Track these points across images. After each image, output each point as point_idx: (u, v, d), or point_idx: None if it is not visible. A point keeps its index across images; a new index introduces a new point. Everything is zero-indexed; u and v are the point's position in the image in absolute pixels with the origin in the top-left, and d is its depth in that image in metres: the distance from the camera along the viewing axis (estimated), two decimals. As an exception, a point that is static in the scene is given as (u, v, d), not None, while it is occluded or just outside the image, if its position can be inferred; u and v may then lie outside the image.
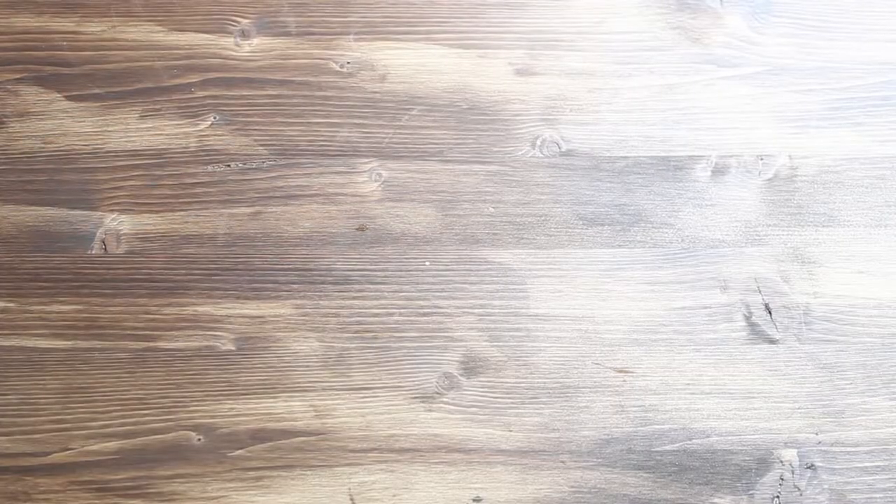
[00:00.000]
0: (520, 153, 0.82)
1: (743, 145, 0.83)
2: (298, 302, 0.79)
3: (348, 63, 0.84)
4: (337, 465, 0.76)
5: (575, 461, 0.76)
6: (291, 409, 0.77)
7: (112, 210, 0.80)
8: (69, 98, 0.83)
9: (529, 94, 0.84)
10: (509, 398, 0.77)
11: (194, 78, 0.83)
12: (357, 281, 0.79)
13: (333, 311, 0.79)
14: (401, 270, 0.80)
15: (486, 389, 0.77)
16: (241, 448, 0.76)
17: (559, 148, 0.82)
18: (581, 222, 0.81)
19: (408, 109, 0.83)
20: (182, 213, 0.80)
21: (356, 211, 0.81)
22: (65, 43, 0.84)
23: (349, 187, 0.81)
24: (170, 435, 0.76)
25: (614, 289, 0.79)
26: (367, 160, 0.82)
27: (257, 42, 0.85)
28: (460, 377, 0.78)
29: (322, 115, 0.83)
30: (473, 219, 0.81)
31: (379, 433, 0.76)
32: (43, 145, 0.82)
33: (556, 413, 0.77)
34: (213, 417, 0.76)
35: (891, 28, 0.86)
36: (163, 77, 0.83)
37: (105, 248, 0.80)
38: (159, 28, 0.85)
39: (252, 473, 0.76)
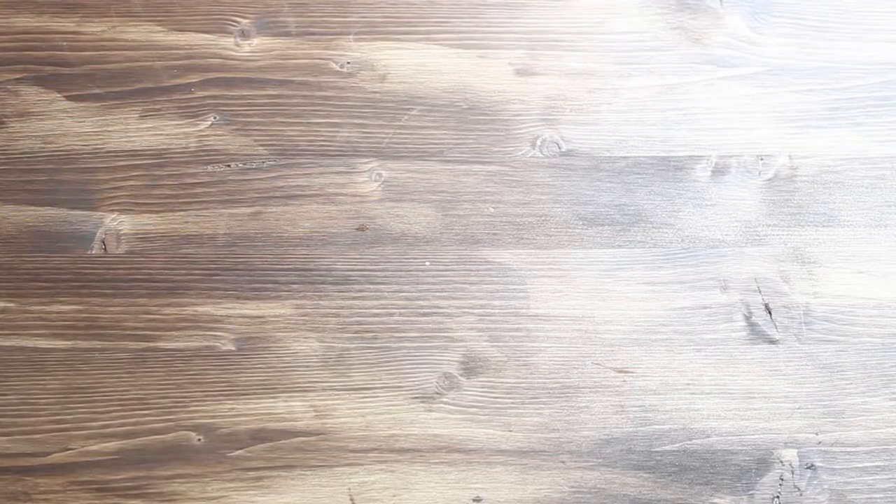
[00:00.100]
0: (520, 153, 0.82)
1: (743, 145, 0.83)
2: (298, 302, 0.79)
3: (348, 63, 0.84)
4: (337, 465, 0.76)
5: (575, 461, 0.76)
6: (291, 409, 0.77)
7: (112, 210, 0.80)
8: (69, 98, 0.83)
9: (529, 94, 0.84)
10: (509, 398, 0.77)
11: (194, 78, 0.83)
12: (357, 281, 0.79)
13: (333, 311, 0.79)
14: (401, 270, 0.80)
15: (486, 389, 0.77)
16: (241, 448, 0.76)
17: (559, 148, 0.82)
18: (581, 222, 0.81)
19: (408, 109, 0.83)
20: (182, 213, 0.80)
21: (356, 211, 0.81)
22: (65, 43, 0.84)
23: (349, 187, 0.81)
24: (170, 435, 0.76)
25: (614, 289, 0.79)
26: (367, 160, 0.82)
27: (257, 42, 0.85)
28: (460, 377, 0.78)
29: (322, 115, 0.83)
30: (473, 219, 0.81)
31: (379, 433, 0.76)
32: (43, 145, 0.82)
33: (556, 413, 0.77)
34: (213, 417, 0.76)
35: (891, 28, 0.86)
36: (163, 77, 0.83)
37: (105, 248, 0.80)
38: (159, 28, 0.85)
39: (252, 473, 0.76)
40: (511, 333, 0.78)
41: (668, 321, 0.79)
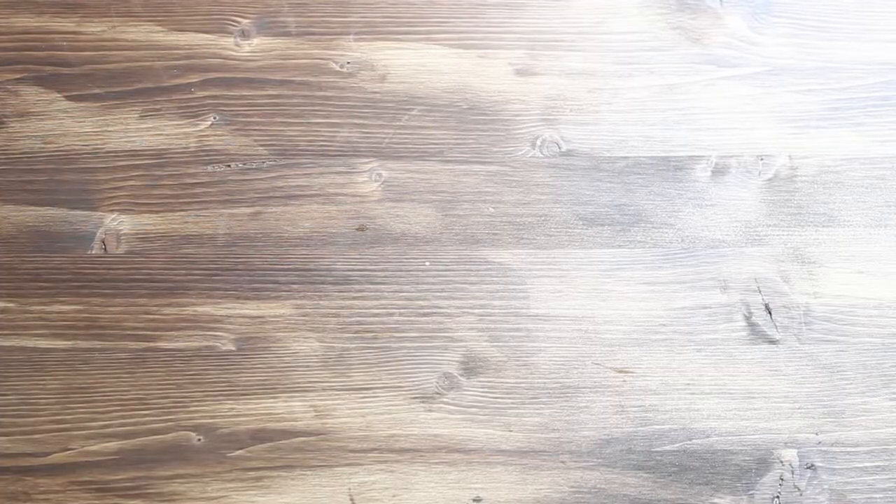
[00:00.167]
0: (520, 153, 0.82)
1: (743, 145, 0.83)
2: (298, 302, 0.79)
3: (348, 63, 0.84)
4: (337, 466, 0.76)
5: (575, 461, 0.76)
6: (291, 409, 0.77)
7: (112, 210, 0.80)
8: (69, 98, 0.83)
9: (529, 94, 0.84)
10: (509, 398, 0.77)
11: (194, 78, 0.83)
12: (357, 281, 0.79)
13: (333, 311, 0.79)
14: (401, 270, 0.80)
15: (486, 389, 0.77)
16: (241, 448, 0.76)
17: (559, 148, 0.82)
18: (581, 222, 0.81)
19: (408, 109, 0.83)
20: (182, 213, 0.80)
21: (356, 211, 0.81)
22: (65, 43, 0.84)
23: (349, 187, 0.81)
24: (170, 435, 0.76)
25: (614, 289, 0.79)
26: (367, 160, 0.82)
27: (257, 42, 0.85)
28: (460, 377, 0.78)
29: (322, 115, 0.83)
30: (473, 219, 0.81)
31: (379, 433, 0.76)
32: (43, 145, 0.82)
33: (556, 413, 0.77)
34: (213, 417, 0.76)
35: (891, 28, 0.86)
36: (163, 77, 0.83)
37: (105, 248, 0.80)
38: (159, 28, 0.85)
39: (252, 473, 0.76)
40: (511, 333, 0.78)
41: (668, 321, 0.79)
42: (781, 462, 0.76)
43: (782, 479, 0.76)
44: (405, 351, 0.78)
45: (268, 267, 0.79)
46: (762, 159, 0.82)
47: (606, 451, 0.76)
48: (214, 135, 0.82)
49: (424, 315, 0.79)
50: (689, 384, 0.78)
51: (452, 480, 0.76)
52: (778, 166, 0.82)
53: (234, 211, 0.81)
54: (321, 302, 0.79)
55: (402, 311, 0.79)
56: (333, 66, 0.84)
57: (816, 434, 0.77)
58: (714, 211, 0.81)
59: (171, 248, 0.80)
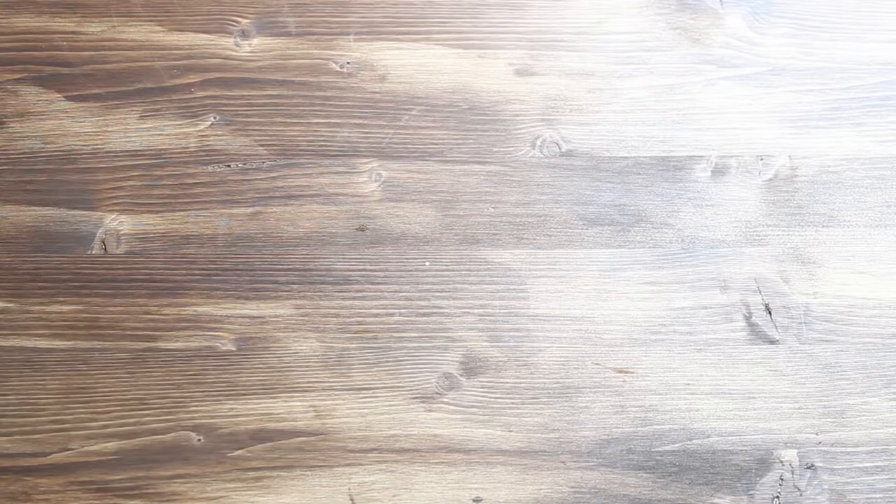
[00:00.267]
0: (520, 153, 0.82)
1: (743, 145, 0.83)
2: (298, 302, 0.79)
3: (348, 63, 0.84)
4: (337, 465, 0.76)
5: (575, 461, 0.76)
6: (291, 409, 0.77)
7: (112, 210, 0.80)
8: (69, 98, 0.83)
9: (529, 94, 0.84)
10: (509, 398, 0.77)
11: (194, 78, 0.83)
12: (357, 281, 0.79)
13: (333, 311, 0.79)
14: (401, 270, 0.80)
15: (486, 389, 0.77)
16: (241, 448, 0.76)
17: (559, 148, 0.82)
18: (581, 222, 0.81)
19: (408, 109, 0.83)
20: (182, 213, 0.80)
21: (356, 211, 0.81)
22: (65, 43, 0.84)
23: (349, 187, 0.81)
24: (170, 435, 0.76)
25: (614, 289, 0.79)
26: (367, 160, 0.82)
27: (257, 42, 0.85)
28: (460, 377, 0.78)
29: (322, 115, 0.83)
30: (473, 219, 0.81)
31: (379, 433, 0.76)
32: (43, 145, 0.82)
33: (556, 413, 0.77)
34: (213, 417, 0.76)
35: (891, 28, 0.86)
36: (163, 77, 0.83)
37: (105, 248, 0.80)
38: (159, 28, 0.85)
39: (252, 473, 0.76)
40: (511, 333, 0.78)
41: (668, 321, 0.79)
42: (781, 462, 0.76)
43: (782, 479, 0.76)
44: (405, 351, 0.78)
45: (268, 267, 0.79)
46: (762, 159, 0.82)
47: (606, 451, 0.76)
48: (214, 135, 0.82)
49: (424, 315, 0.79)
50: (689, 384, 0.78)
51: (452, 480, 0.76)
52: (778, 166, 0.82)
53: (234, 211, 0.81)
54: (321, 302, 0.79)
55: (402, 311, 0.79)
56: (333, 66, 0.84)
57: (816, 434, 0.77)
58: (714, 211, 0.81)
59: (171, 248, 0.80)
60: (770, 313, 0.79)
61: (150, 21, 0.85)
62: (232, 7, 0.85)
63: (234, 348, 0.78)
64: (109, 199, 0.81)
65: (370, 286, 0.79)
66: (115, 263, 0.79)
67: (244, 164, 0.82)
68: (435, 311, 0.79)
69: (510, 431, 0.77)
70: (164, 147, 0.82)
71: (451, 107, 0.83)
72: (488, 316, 0.79)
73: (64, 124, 0.82)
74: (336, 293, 0.79)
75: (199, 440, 0.76)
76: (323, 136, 0.82)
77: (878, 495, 0.76)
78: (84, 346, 0.78)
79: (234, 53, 0.84)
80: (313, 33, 0.85)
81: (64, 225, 0.80)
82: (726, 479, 0.76)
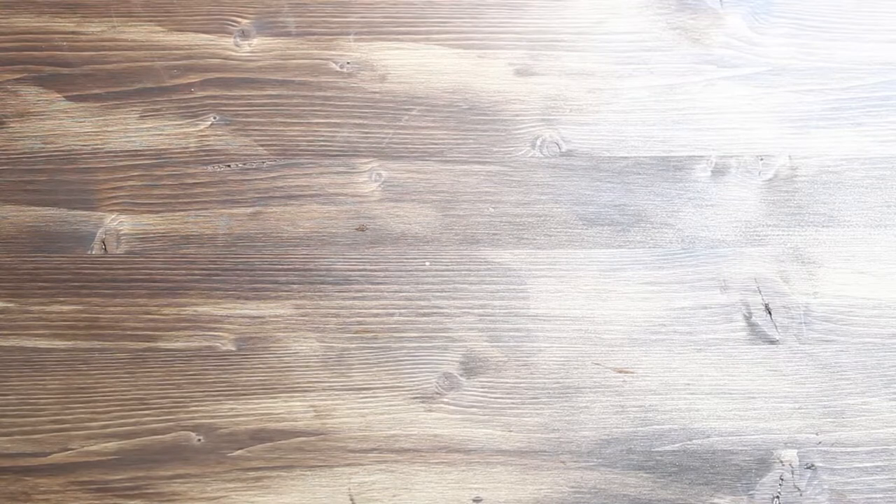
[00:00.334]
0: (520, 153, 0.82)
1: (743, 145, 0.83)
2: (298, 302, 0.79)
3: (348, 63, 0.84)
4: (337, 465, 0.76)
5: (575, 461, 0.76)
6: (291, 409, 0.77)
7: (112, 210, 0.80)
8: (69, 98, 0.83)
9: (529, 94, 0.84)
10: (509, 398, 0.77)
11: (194, 78, 0.83)
12: (357, 281, 0.79)
13: (333, 311, 0.79)
14: (401, 270, 0.80)
15: (486, 389, 0.77)
16: (241, 448, 0.76)
17: (559, 148, 0.82)
18: (581, 222, 0.81)
19: (408, 109, 0.83)
20: (182, 213, 0.80)
21: (356, 211, 0.81)
22: (65, 43, 0.84)
23: (349, 187, 0.81)
24: (170, 435, 0.76)
25: (614, 289, 0.79)
26: (367, 160, 0.82)
27: (257, 42, 0.85)
28: (460, 377, 0.78)
29: (322, 115, 0.83)
30: (473, 219, 0.81)
31: (379, 433, 0.76)
32: (43, 145, 0.82)
33: (556, 413, 0.77)
34: (213, 417, 0.76)
35: (891, 28, 0.86)
36: (163, 77, 0.83)
37: (105, 248, 0.80)
38: (159, 28, 0.85)
39: (252, 473, 0.76)
40: (511, 333, 0.78)
41: (668, 321, 0.79)
42: (781, 462, 0.76)
43: (782, 479, 0.76)
44: (405, 351, 0.78)
45: (268, 267, 0.79)
46: (762, 159, 0.82)
47: (606, 451, 0.76)
48: (214, 135, 0.82)
49: (424, 315, 0.79)
50: (689, 384, 0.78)
51: (452, 480, 0.76)
52: (778, 166, 0.82)
53: (234, 211, 0.81)
54: (321, 302, 0.79)
55: (402, 311, 0.79)
56: (333, 66, 0.84)
57: (816, 434, 0.77)
58: (714, 211, 0.81)
59: (171, 248, 0.80)
60: (770, 313, 0.79)
61: (150, 21, 0.85)
62: (232, 7, 0.85)
63: (234, 348, 0.78)
64: (109, 199, 0.81)
65: (370, 286, 0.79)
66: (115, 263, 0.79)
67: (244, 164, 0.82)
68: (435, 311, 0.79)
69: (510, 431, 0.77)
70: (164, 147, 0.82)
71: (451, 107, 0.83)
72: (488, 316, 0.79)
73: (64, 124, 0.82)
74: (336, 293, 0.79)
75: (199, 440, 0.76)
76: (323, 136, 0.82)
77: (878, 495, 0.76)
78: (84, 346, 0.78)
79: (234, 53, 0.84)
80: (313, 33, 0.85)
81: (64, 225, 0.80)
82: (726, 479, 0.76)
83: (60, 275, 0.79)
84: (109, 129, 0.82)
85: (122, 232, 0.80)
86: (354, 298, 0.79)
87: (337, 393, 0.77)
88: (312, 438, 0.76)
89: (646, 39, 0.85)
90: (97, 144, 0.82)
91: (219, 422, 0.76)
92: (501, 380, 0.78)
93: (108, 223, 0.80)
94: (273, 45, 0.84)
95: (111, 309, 0.78)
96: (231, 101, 0.83)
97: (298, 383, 0.77)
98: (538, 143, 0.82)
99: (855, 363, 0.78)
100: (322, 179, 0.81)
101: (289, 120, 0.83)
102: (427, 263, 0.80)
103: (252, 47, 0.84)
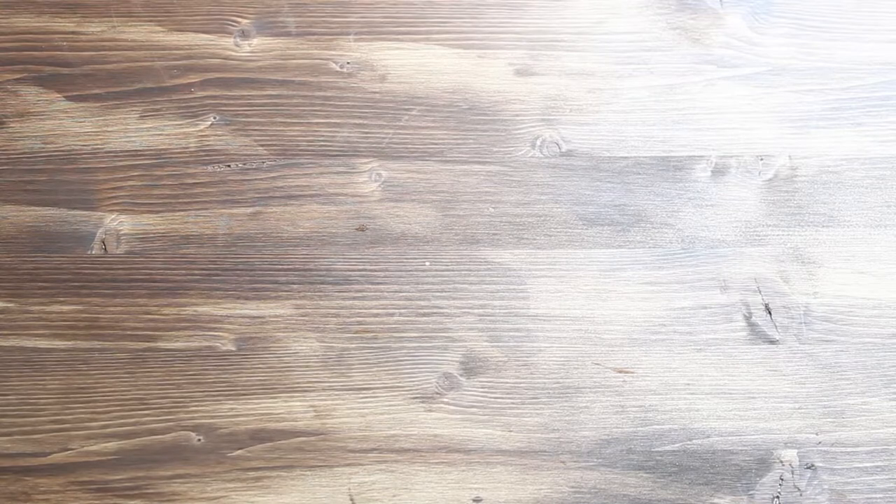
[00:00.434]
0: (520, 153, 0.82)
1: (743, 145, 0.83)
2: (298, 302, 0.79)
3: (348, 63, 0.84)
4: (337, 465, 0.76)
5: (575, 461, 0.76)
6: (291, 409, 0.77)
7: (112, 210, 0.80)
8: (69, 98, 0.83)
9: (529, 94, 0.84)
10: (509, 398, 0.77)
11: (194, 78, 0.83)
12: (357, 281, 0.79)
13: (333, 311, 0.79)
14: (401, 270, 0.80)
15: (486, 389, 0.77)
16: (241, 448, 0.76)
17: (559, 148, 0.82)
18: (581, 222, 0.81)
19: (408, 109, 0.83)
20: (182, 213, 0.80)
21: (356, 211, 0.81)
22: (65, 43, 0.84)
23: (349, 187, 0.81)
24: (170, 435, 0.76)
25: (614, 289, 0.79)
26: (367, 160, 0.82)
27: (257, 42, 0.85)
28: (460, 377, 0.78)
29: (322, 115, 0.83)
30: (473, 219, 0.81)
31: (379, 433, 0.76)
32: (43, 145, 0.82)
33: (556, 413, 0.77)
34: (213, 417, 0.76)
35: (891, 28, 0.86)
36: (163, 77, 0.83)
37: (105, 248, 0.80)
38: (159, 28, 0.85)
39: (252, 473, 0.76)
40: (511, 333, 0.78)
41: (668, 321, 0.79)
42: (781, 462, 0.76)
43: (782, 479, 0.76)
44: (405, 351, 0.78)
45: (268, 267, 0.79)
46: (762, 159, 0.82)
47: (606, 451, 0.76)
48: (214, 135, 0.82)
49: (424, 315, 0.79)
50: (689, 384, 0.78)
51: (452, 480, 0.76)
52: (778, 166, 0.82)
53: (234, 211, 0.81)
54: (321, 302, 0.79)
55: (402, 311, 0.79)
56: (333, 66, 0.84)
57: (816, 434, 0.77)
58: (714, 211, 0.81)
59: (171, 248, 0.80)
60: (770, 313, 0.79)
61: (150, 21, 0.85)
62: (232, 7, 0.85)
63: (234, 348, 0.78)
64: (109, 199, 0.81)
65: (370, 286, 0.79)
66: (115, 263, 0.79)
67: (244, 164, 0.82)
68: (435, 311, 0.79)
69: (510, 431, 0.77)
70: (164, 147, 0.82)
71: (451, 107, 0.83)
72: (488, 316, 0.79)
73: (64, 124, 0.82)
74: (336, 293, 0.79)
75: (199, 440, 0.76)
76: (323, 136, 0.82)
77: (878, 495, 0.76)
78: (84, 346, 0.78)
79: (234, 53, 0.84)
80: (313, 33, 0.85)
81: (64, 225, 0.80)
82: (726, 479, 0.76)
83: (60, 275, 0.79)
84: (109, 129, 0.82)
85: (122, 232, 0.80)
86: (354, 298, 0.79)
87: (337, 393, 0.77)
88: (312, 438, 0.76)
89: (646, 39, 0.85)
90: (97, 144, 0.82)
91: (219, 422, 0.76)
92: (501, 380, 0.78)
93: (108, 223, 0.80)
94: (273, 45, 0.84)
95: (111, 309, 0.78)
96: (231, 101, 0.83)
97: (298, 383, 0.77)
98: (538, 143, 0.82)
99: (855, 363, 0.78)
100: (322, 179, 0.81)
101: (289, 120, 0.83)
102: (427, 263, 0.80)
103: (252, 47, 0.84)
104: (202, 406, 0.77)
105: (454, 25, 0.85)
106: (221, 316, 0.78)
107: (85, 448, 0.76)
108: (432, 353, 0.78)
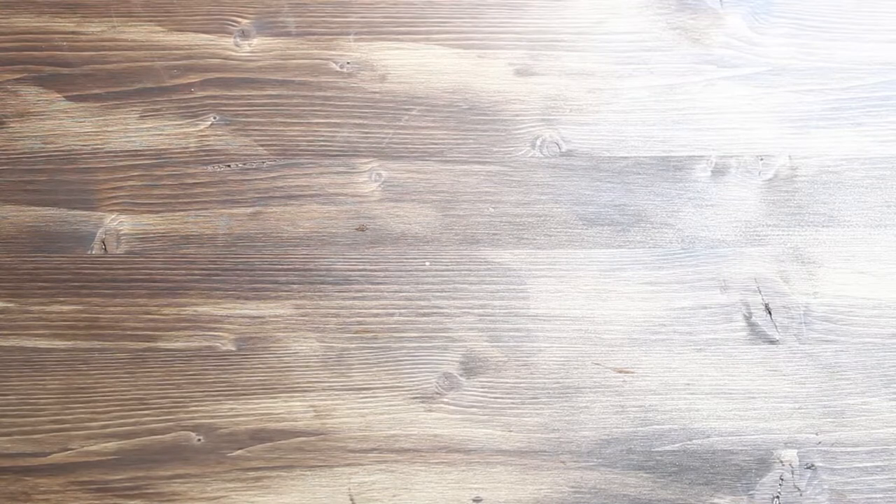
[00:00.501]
0: (520, 153, 0.82)
1: (743, 145, 0.83)
2: (298, 302, 0.79)
3: (348, 63, 0.84)
4: (337, 465, 0.76)
5: (575, 461, 0.76)
6: (291, 409, 0.77)
7: (112, 210, 0.80)
8: (69, 98, 0.83)
9: (529, 94, 0.84)
10: (509, 398, 0.77)
11: (194, 78, 0.83)
12: (357, 281, 0.79)
13: (333, 311, 0.79)
14: (401, 270, 0.80)
15: (486, 389, 0.77)
16: (241, 448, 0.76)
17: (559, 148, 0.82)
18: (581, 222, 0.81)
19: (408, 109, 0.83)
20: (182, 213, 0.80)
21: (356, 211, 0.81)
22: (65, 43, 0.84)
23: (349, 187, 0.81)
24: (170, 435, 0.76)
25: (614, 289, 0.79)
26: (367, 160, 0.82)
27: (257, 42, 0.85)
28: (460, 377, 0.78)
29: (322, 115, 0.83)
30: (473, 219, 0.81)
31: (379, 433, 0.76)
32: (43, 145, 0.82)
33: (556, 413, 0.77)
34: (213, 417, 0.76)
35: (891, 28, 0.86)
36: (163, 77, 0.83)
37: (105, 248, 0.80)
38: (159, 28, 0.85)
39: (252, 473, 0.76)
40: (511, 333, 0.78)
41: (668, 321, 0.79)
42: (781, 462, 0.76)
43: (782, 479, 0.76)
44: (405, 351, 0.78)
45: (268, 267, 0.79)
46: (762, 159, 0.82)
47: (606, 451, 0.76)
48: (214, 135, 0.82)
49: (424, 315, 0.79)
50: (689, 384, 0.78)
51: (452, 480, 0.76)
52: (778, 166, 0.82)
53: (234, 211, 0.81)
54: (321, 302, 0.79)
55: (402, 311, 0.79)
56: (333, 66, 0.84)
57: (816, 434, 0.77)
58: (714, 211, 0.81)
59: (171, 248, 0.80)
60: (770, 313, 0.79)
61: (150, 21, 0.85)
62: (232, 7, 0.85)
63: (234, 348, 0.78)
64: (109, 199, 0.81)
65: (370, 286, 0.79)
66: (115, 263, 0.79)
67: (244, 164, 0.82)
68: (435, 311, 0.79)
69: (510, 431, 0.77)
70: (164, 147, 0.82)
71: (451, 107, 0.83)
72: (488, 316, 0.79)
73: (64, 124, 0.82)
74: (336, 293, 0.79)
75: (199, 440, 0.76)
76: (323, 136, 0.82)
77: (878, 495, 0.76)
78: (84, 346, 0.78)
79: (234, 53, 0.84)
80: (313, 33, 0.85)
81: (64, 225, 0.80)
82: (726, 479, 0.76)
83: (60, 275, 0.79)
84: (109, 129, 0.82)
85: (122, 232, 0.80)
86: (354, 298, 0.79)
87: (337, 393, 0.77)
88: (312, 438, 0.76)
89: (646, 39, 0.85)
90: (97, 144, 0.82)
91: (219, 422, 0.76)
92: (501, 380, 0.78)
93: (108, 223, 0.80)
94: (273, 45, 0.84)
95: (111, 309, 0.78)
96: (231, 101, 0.83)
97: (298, 383, 0.77)
98: (538, 143, 0.82)
99: (855, 363, 0.78)
100: (322, 179, 0.81)
101: (289, 120, 0.83)
102: (427, 263, 0.80)
103: (252, 47, 0.84)
104: (202, 406, 0.77)
105: (454, 25, 0.85)
106: (221, 316, 0.78)
107: (85, 448, 0.76)
108: (432, 353, 0.78)
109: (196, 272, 0.79)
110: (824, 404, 0.77)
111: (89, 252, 0.80)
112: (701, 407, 0.77)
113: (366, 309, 0.79)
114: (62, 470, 0.75)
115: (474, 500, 0.75)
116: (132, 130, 0.82)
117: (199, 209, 0.81)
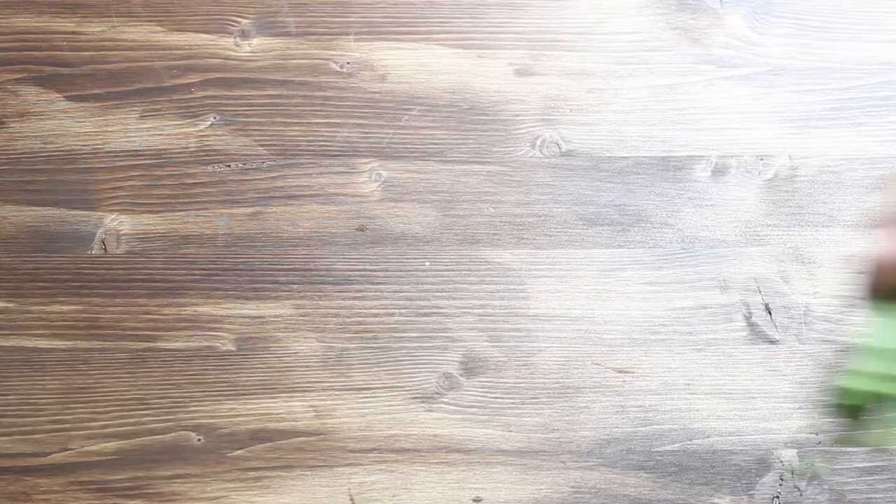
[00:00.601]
0: (520, 153, 0.82)
1: (743, 145, 0.83)
2: (298, 302, 0.79)
3: (348, 63, 0.84)
4: (337, 466, 0.76)
5: (575, 461, 0.76)
6: (291, 409, 0.77)
7: (112, 210, 0.80)
8: (69, 98, 0.83)
9: (529, 94, 0.84)
10: (509, 398, 0.77)
11: (194, 78, 0.83)
12: (357, 281, 0.79)
13: (333, 311, 0.79)
14: (401, 270, 0.80)
15: (486, 389, 0.77)
16: (241, 448, 0.76)
17: (559, 148, 0.82)
18: (581, 222, 0.81)
19: (408, 109, 0.83)
20: (182, 213, 0.80)
21: (356, 211, 0.81)
22: (65, 43, 0.84)
23: (349, 187, 0.81)
24: (169, 435, 0.76)
25: (614, 289, 0.79)
26: (367, 160, 0.82)
27: (257, 42, 0.85)
28: (460, 377, 0.78)
29: (322, 115, 0.83)
30: (473, 219, 0.81)
31: (379, 433, 0.76)
32: (43, 145, 0.82)
33: (556, 413, 0.77)
34: (213, 417, 0.76)
35: (891, 28, 0.85)
36: (163, 77, 0.83)
37: (105, 248, 0.80)
38: (159, 28, 0.85)
39: (252, 473, 0.76)
40: (511, 333, 0.78)
41: (668, 321, 0.79)
42: (781, 462, 0.76)
43: (782, 479, 0.76)
44: (405, 351, 0.78)
45: (268, 267, 0.79)
46: (762, 159, 0.82)
47: (606, 451, 0.76)
48: (214, 135, 0.82)
49: (424, 315, 0.79)
50: (689, 384, 0.78)
51: (452, 480, 0.76)
52: (778, 166, 0.82)
53: (234, 211, 0.81)
54: (321, 302, 0.79)
55: (402, 311, 0.79)
56: (333, 66, 0.84)
57: (816, 434, 0.77)
58: (714, 211, 0.81)
59: (171, 248, 0.80)
60: (770, 313, 0.79)
61: (150, 21, 0.85)
62: (232, 7, 0.85)
63: (234, 348, 0.78)
64: (109, 199, 0.81)
65: (370, 286, 0.79)
66: (115, 263, 0.79)
67: (244, 164, 0.82)
68: (435, 311, 0.79)
69: (510, 431, 0.77)
70: (164, 147, 0.82)
71: (451, 107, 0.83)
72: (488, 316, 0.79)
73: (64, 124, 0.82)
74: (336, 293, 0.79)
75: (199, 440, 0.76)
76: (323, 136, 0.82)
77: (878, 495, 0.76)
78: (84, 346, 0.78)
79: (234, 53, 0.84)
80: (313, 33, 0.85)
81: (64, 225, 0.80)
82: (726, 479, 0.76)
83: (60, 275, 0.79)
84: (109, 129, 0.82)
85: (122, 232, 0.80)
86: (354, 298, 0.79)
87: (337, 393, 0.77)
88: (312, 438, 0.76)
89: (646, 39, 0.85)
90: (97, 144, 0.82)
91: (219, 422, 0.76)
92: (501, 380, 0.78)
93: (108, 223, 0.80)
94: (273, 45, 0.84)
95: (111, 309, 0.78)
96: (231, 101, 0.83)
97: (298, 383, 0.77)
98: (538, 143, 0.82)
99: (855, 363, 0.78)
100: (322, 179, 0.81)
101: (289, 120, 0.83)
102: (427, 263, 0.80)
103: (252, 47, 0.84)
104: (202, 406, 0.77)
105: (454, 25, 0.85)
106: (221, 316, 0.78)
107: (85, 448, 0.76)
108: (432, 353, 0.78)
109: (196, 272, 0.79)
110: (824, 404, 0.77)
111: (89, 252, 0.80)
112: (701, 407, 0.77)
113: (366, 309, 0.79)
114: (62, 470, 0.75)
115: (474, 500, 0.75)
116: (132, 130, 0.82)
117: (199, 209, 0.81)
